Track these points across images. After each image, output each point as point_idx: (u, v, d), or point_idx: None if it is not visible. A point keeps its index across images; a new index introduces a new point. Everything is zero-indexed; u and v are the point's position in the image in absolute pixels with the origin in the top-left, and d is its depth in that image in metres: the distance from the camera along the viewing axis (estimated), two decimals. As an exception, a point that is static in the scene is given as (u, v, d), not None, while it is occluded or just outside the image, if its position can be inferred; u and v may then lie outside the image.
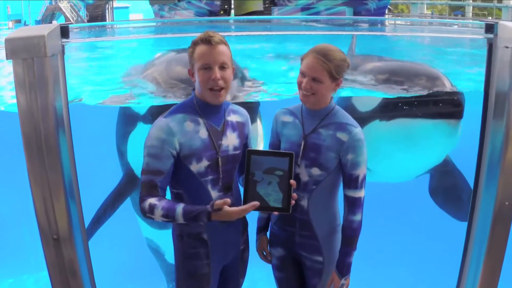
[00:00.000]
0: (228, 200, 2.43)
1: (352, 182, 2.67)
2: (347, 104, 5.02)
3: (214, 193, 2.58)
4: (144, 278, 5.86)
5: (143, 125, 4.64)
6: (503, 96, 2.68)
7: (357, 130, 2.66)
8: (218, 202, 2.42)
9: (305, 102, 2.68)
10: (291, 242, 2.84)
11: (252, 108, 4.37)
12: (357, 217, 2.69)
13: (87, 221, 2.80)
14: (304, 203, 2.73)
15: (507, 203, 2.72)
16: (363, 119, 4.73)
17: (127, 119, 5.00)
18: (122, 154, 5.08)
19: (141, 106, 4.81)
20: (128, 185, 4.97)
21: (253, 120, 4.21)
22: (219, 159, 2.57)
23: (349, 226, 2.70)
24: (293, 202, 2.54)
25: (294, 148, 2.71)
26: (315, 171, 2.68)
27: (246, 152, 2.51)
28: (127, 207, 5.10)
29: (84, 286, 2.66)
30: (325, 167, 2.67)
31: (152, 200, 2.48)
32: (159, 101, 4.58)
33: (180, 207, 2.46)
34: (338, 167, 2.69)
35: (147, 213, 2.49)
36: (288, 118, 2.80)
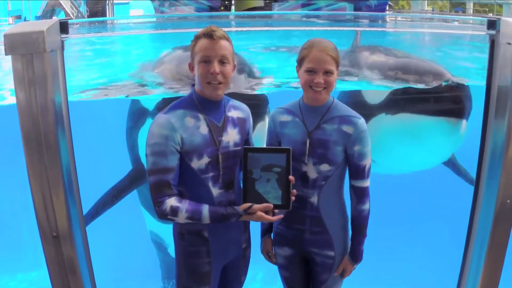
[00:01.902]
0: (270, 205, 2.47)
1: (360, 172, 2.70)
2: (356, 97, 5.02)
3: (215, 190, 2.56)
4: (143, 275, 5.85)
5: (152, 120, 4.65)
6: (505, 93, 2.66)
7: (361, 121, 2.68)
8: (257, 206, 2.46)
9: (316, 100, 2.67)
10: (299, 240, 2.82)
11: (260, 105, 4.36)
12: (366, 206, 2.74)
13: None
14: (314, 199, 2.72)
15: (508, 201, 2.71)
16: (371, 111, 4.75)
17: (137, 114, 5.00)
18: (132, 148, 5.08)
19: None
20: (136, 179, 4.96)
21: (261, 118, 4.20)
22: (220, 155, 2.54)
23: (360, 215, 2.74)
24: (293, 198, 2.54)
25: (299, 147, 2.69)
26: (324, 167, 2.67)
27: (243, 150, 2.50)
28: (129, 202, 5.08)
29: (84, 283, 2.65)
30: (334, 161, 2.67)
31: (173, 202, 2.45)
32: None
33: (206, 210, 2.47)
34: (345, 160, 2.70)
35: (168, 216, 2.46)
36: (287, 117, 2.78)
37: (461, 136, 4.66)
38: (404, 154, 4.89)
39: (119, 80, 5.79)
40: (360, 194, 2.73)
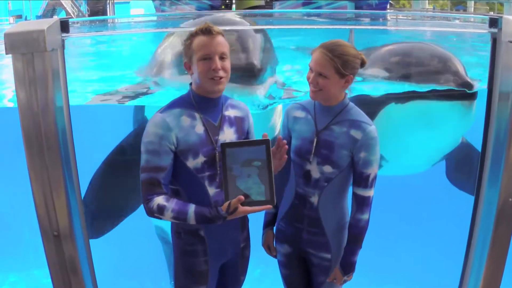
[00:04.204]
0: (242, 197, 2.37)
1: (363, 180, 2.64)
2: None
3: (211, 190, 2.55)
4: (145, 275, 5.85)
5: None
6: (507, 91, 2.66)
7: (371, 128, 2.61)
8: (233, 201, 2.37)
9: (314, 98, 2.65)
10: (298, 238, 2.82)
11: None
12: (365, 216, 2.67)
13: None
14: (315, 200, 2.70)
15: (510, 199, 2.70)
16: (380, 103, 4.70)
17: (143, 117, 4.98)
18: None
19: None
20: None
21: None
22: (216, 154, 2.52)
23: (356, 224, 2.68)
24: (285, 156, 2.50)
25: (306, 145, 2.68)
26: (327, 168, 2.64)
27: (220, 146, 2.42)
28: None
29: (85, 283, 2.65)
30: (338, 164, 2.63)
31: (161, 201, 2.45)
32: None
33: (191, 211, 2.44)
34: (350, 165, 2.65)
35: (155, 213, 2.45)
36: (300, 114, 2.76)
37: (472, 117, 4.61)
38: (418, 144, 4.81)
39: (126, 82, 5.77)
40: (360, 203, 2.66)
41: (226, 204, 2.40)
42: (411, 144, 4.83)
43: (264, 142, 2.38)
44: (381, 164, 4.92)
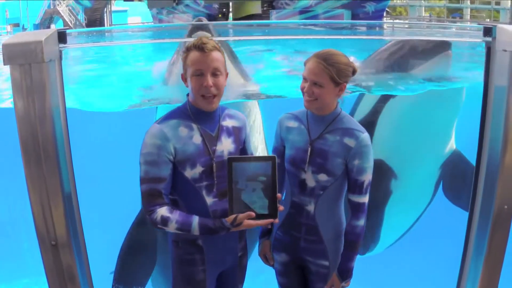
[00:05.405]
0: (252, 213, 2.41)
1: (357, 187, 2.67)
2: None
3: (209, 199, 2.56)
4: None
5: None
6: (502, 100, 2.67)
7: (364, 135, 2.65)
8: (241, 216, 2.41)
9: (309, 108, 2.67)
10: (295, 247, 2.83)
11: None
12: (360, 222, 2.69)
13: (85, 227, 2.79)
14: (311, 208, 2.72)
15: (506, 206, 2.71)
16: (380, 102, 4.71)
17: None
18: None
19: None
20: None
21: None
22: (214, 164, 2.55)
23: (352, 231, 2.70)
24: (280, 208, 2.49)
25: (300, 154, 2.70)
26: (322, 177, 2.67)
27: (226, 160, 2.45)
28: (129, 209, 5.05)
29: (83, 292, 2.65)
30: (332, 173, 2.66)
31: (164, 212, 2.46)
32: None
33: (195, 222, 2.45)
34: (345, 172, 2.68)
35: (158, 225, 2.46)
36: (293, 124, 2.78)
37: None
38: (420, 140, 4.81)
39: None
40: (355, 209, 2.70)
41: (232, 216, 2.42)
42: (414, 143, 4.82)
43: (271, 158, 2.43)
44: (391, 189, 4.91)
